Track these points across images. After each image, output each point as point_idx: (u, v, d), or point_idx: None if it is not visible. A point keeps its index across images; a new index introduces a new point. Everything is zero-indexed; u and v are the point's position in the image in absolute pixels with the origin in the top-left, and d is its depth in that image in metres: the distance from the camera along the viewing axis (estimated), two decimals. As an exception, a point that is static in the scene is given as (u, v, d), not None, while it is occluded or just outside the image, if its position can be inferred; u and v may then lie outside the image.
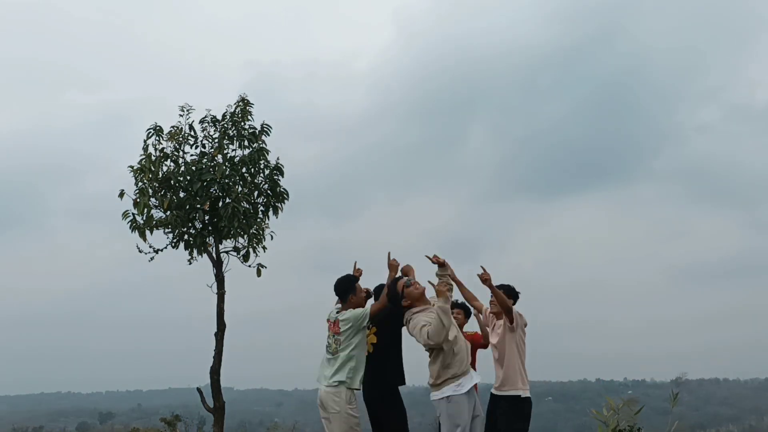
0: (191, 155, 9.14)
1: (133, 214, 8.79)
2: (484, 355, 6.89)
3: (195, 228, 8.96)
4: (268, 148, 9.28)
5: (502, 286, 6.45)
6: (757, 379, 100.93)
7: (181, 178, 8.90)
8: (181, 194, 8.92)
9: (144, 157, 8.88)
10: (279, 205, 9.34)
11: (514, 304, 6.44)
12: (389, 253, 6.38)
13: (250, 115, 9.32)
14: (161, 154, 8.93)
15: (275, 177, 9.26)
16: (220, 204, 8.85)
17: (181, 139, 9.12)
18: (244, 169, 9.11)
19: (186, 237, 9.00)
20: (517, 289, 6.54)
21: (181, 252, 9.05)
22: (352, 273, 6.52)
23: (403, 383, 6.37)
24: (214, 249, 9.02)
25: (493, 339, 6.49)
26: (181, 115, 9.15)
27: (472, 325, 7.26)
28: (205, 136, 9.24)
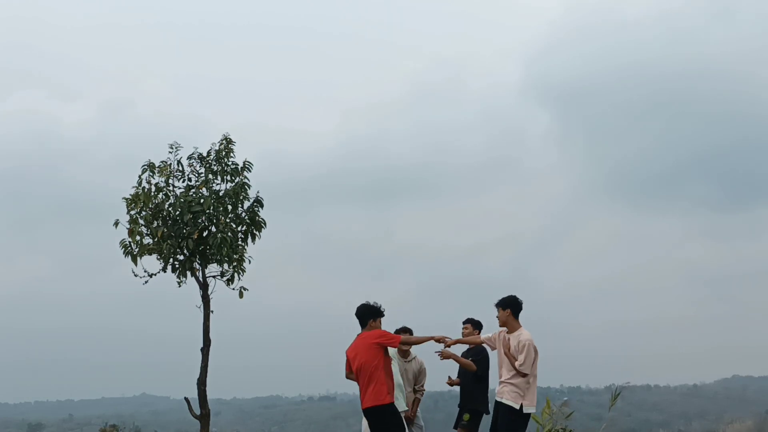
0: (179, 188, 10.19)
1: (129, 242, 9.80)
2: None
3: (184, 254, 9.99)
4: (249, 182, 10.39)
5: None
6: (685, 386, 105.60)
7: (171, 210, 9.93)
8: (170, 223, 9.93)
9: (137, 188, 9.93)
10: (257, 233, 10.44)
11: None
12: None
13: (232, 152, 10.41)
14: (155, 188, 9.97)
15: (255, 209, 10.37)
16: (206, 233, 9.91)
17: (169, 172, 10.15)
18: (228, 201, 10.17)
19: (173, 262, 10.02)
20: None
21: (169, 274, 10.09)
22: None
23: None
24: (201, 273, 10.06)
25: None
26: (170, 152, 10.22)
27: None
28: (191, 171, 10.30)
